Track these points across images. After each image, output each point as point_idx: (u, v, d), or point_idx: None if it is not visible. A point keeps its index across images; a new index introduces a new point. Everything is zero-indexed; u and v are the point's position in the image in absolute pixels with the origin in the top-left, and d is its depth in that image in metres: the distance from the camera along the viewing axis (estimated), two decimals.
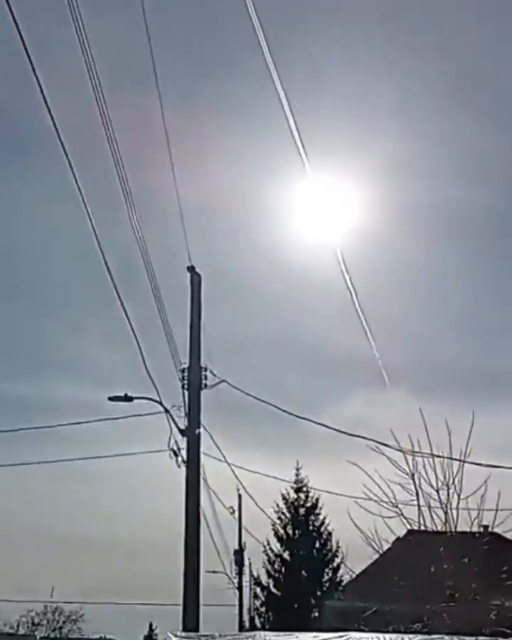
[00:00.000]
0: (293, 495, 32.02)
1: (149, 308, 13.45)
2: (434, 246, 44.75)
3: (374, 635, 8.76)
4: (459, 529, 12.43)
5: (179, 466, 12.64)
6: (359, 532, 12.90)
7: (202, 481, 14.35)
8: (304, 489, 32.00)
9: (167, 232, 14.62)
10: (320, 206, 15.91)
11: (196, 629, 11.06)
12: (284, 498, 31.73)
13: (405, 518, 12.65)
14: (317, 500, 31.45)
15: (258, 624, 29.15)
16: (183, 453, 13.05)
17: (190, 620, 11.33)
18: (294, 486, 31.89)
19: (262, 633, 8.73)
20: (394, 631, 9.65)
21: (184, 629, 11.12)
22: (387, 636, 8.69)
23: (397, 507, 12.57)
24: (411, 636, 8.69)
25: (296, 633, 8.85)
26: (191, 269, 14.94)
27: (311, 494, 31.81)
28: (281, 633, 10.26)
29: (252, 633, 8.54)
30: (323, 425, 13.94)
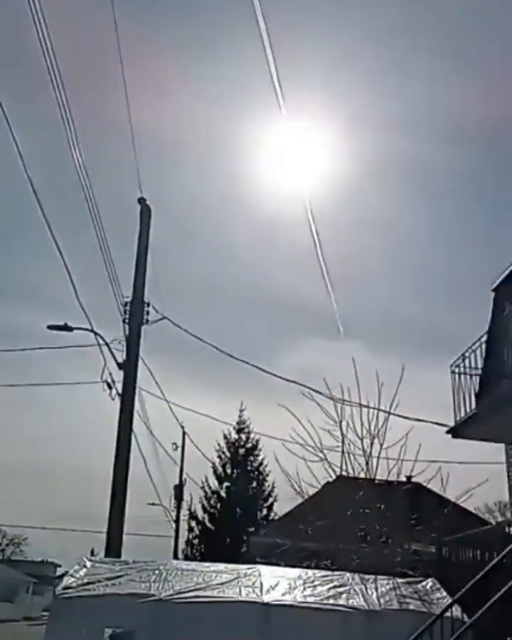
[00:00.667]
0: (234, 435, 32.77)
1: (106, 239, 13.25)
2: (402, 203, 44.74)
3: (281, 569, 9.21)
4: (380, 477, 12.99)
5: (113, 399, 12.75)
6: (293, 474, 13.44)
7: (138, 416, 14.56)
8: (246, 430, 32.75)
9: (128, 162, 14.19)
10: (291, 151, 15.66)
11: (118, 556, 11.41)
12: (225, 438, 32.48)
13: (329, 463, 13.16)
14: (257, 441, 32.27)
15: (189, 555, 30.20)
16: (119, 386, 13.15)
17: (113, 548, 11.67)
18: (236, 426, 32.62)
19: (175, 562, 9.10)
20: (302, 567, 10.17)
21: (106, 555, 11.48)
22: (293, 570, 9.15)
23: (322, 451, 13.06)
24: (315, 571, 9.17)
25: (210, 564, 9.25)
26: (142, 201, 14.67)
27: (252, 435, 32.58)
28: (194, 563, 10.71)
29: (165, 561, 8.89)
30: (259, 368, 14.19)
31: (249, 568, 8.81)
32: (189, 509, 32.05)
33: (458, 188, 44.46)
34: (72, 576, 7.82)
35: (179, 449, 30.13)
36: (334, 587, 8.41)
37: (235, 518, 29.91)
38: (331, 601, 7.90)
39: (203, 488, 31.45)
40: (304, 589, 8.22)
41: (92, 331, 13.04)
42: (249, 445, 32.66)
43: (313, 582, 8.51)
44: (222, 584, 7.87)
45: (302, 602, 7.68)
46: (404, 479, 13.69)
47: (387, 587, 8.66)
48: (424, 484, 14.34)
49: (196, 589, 7.59)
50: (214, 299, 50.35)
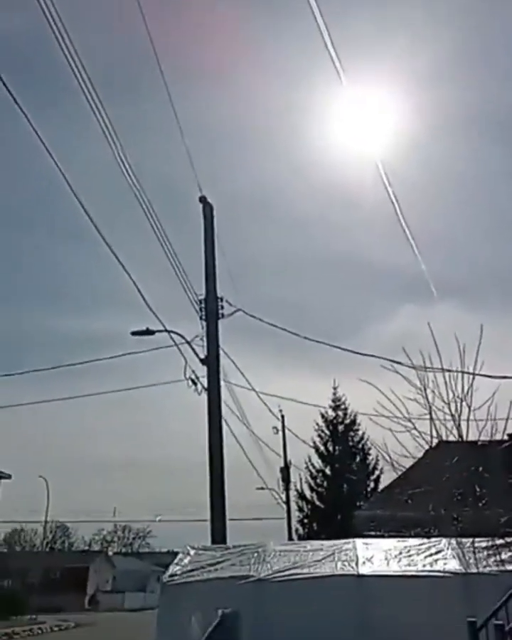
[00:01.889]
0: (332, 413, 32.97)
1: (176, 240, 13.74)
2: (474, 151, 42.94)
3: (377, 541, 9.41)
4: (477, 439, 12.85)
5: (199, 394, 13.23)
6: (385, 446, 13.53)
7: (227, 407, 15.02)
8: (342, 407, 32.89)
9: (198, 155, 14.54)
10: (356, 119, 15.49)
11: (223, 541, 11.94)
12: (322, 417, 32.74)
13: (419, 432, 13.14)
14: (355, 416, 32.34)
15: (303, 534, 30.76)
16: (204, 381, 13.62)
17: (218, 534, 12.20)
18: (332, 404, 32.82)
19: (272, 543, 9.47)
20: (404, 536, 10.31)
21: (212, 542, 12.04)
22: (390, 541, 9.33)
23: (410, 421, 13.06)
24: (412, 540, 9.31)
25: (308, 542, 9.58)
26: (203, 199, 15.03)
27: (349, 411, 32.70)
28: (292, 543, 11.07)
29: (264, 543, 9.27)
30: (336, 347, 14.29)
31: (345, 543, 9.06)
32: (297, 490, 32.63)
33: None
34: (177, 564, 8.35)
35: (279, 433, 30.75)
36: (430, 554, 8.54)
37: (343, 494, 30.21)
38: (427, 568, 8.04)
39: (307, 467, 31.95)
40: (400, 559, 8.40)
41: (169, 331, 13.57)
42: (347, 421, 32.82)
43: (408, 551, 8.67)
44: (318, 561, 8.16)
45: (397, 571, 7.86)
46: (505, 438, 13.49)
47: (486, 549, 8.69)
48: None
49: (293, 568, 7.93)
50: (298, 275, 50.47)
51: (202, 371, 13.92)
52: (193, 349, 13.97)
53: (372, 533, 12.02)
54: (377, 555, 8.40)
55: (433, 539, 9.14)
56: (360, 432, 32.26)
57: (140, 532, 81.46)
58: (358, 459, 31.83)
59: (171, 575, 7.92)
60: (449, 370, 12.98)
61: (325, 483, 31.72)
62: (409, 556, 8.41)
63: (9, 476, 38.12)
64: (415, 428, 13.00)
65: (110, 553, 71.69)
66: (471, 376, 13.03)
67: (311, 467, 32.01)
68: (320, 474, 31.96)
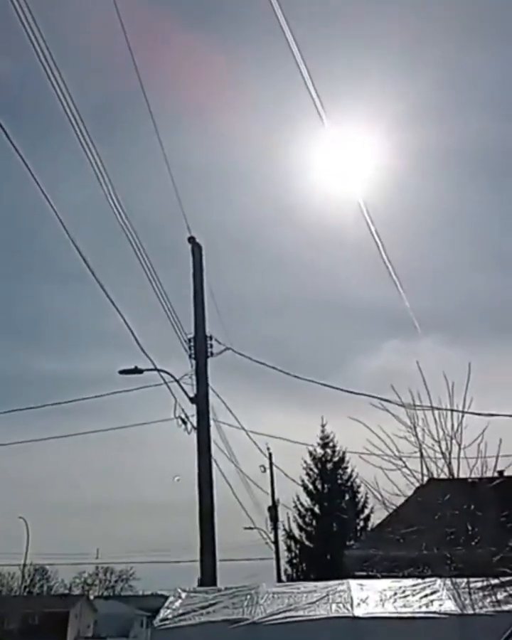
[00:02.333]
0: (320, 451, 32.80)
1: (165, 280, 13.81)
2: (455, 185, 43.76)
3: (371, 581, 9.30)
4: (468, 476, 12.81)
5: (189, 433, 13.17)
6: (376, 484, 13.45)
7: (216, 446, 14.91)
8: (330, 445, 32.73)
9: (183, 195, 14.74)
10: (338, 159, 15.78)
11: (213, 583, 11.72)
12: (310, 454, 32.55)
13: (410, 470, 13.10)
14: (344, 454, 32.19)
15: (293, 575, 30.25)
16: (194, 419, 13.56)
17: (207, 576, 12.01)
18: (320, 442, 32.67)
19: (265, 584, 9.32)
20: (397, 576, 10.18)
21: (201, 584, 11.82)
22: (384, 581, 9.22)
23: (400, 459, 13.03)
24: (406, 580, 9.20)
25: (300, 584, 9.43)
26: (192, 240, 15.21)
27: (337, 449, 32.54)
28: (285, 584, 10.90)
29: (256, 585, 9.12)
30: (327, 385, 14.35)
31: (338, 584, 8.94)
32: (286, 529, 32.20)
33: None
34: (168, 608, 8.17)
35: (267, 471, 30.44)
36: (426, 594, 8.44)
37: (332, 532, 29.86)
38: (423, 608, 7.94)
39: (295, 506, 31.60)
40: (395, 599, 8.29)
41: (158, 370, 13.55)
42: (335, 459, 32.65)
43: (404, 591, 8.57)
44: (312, 603, 8.03)
45: (393, 613, 7.76)
46: (495, 475, 13.46)
47: (481, 589, 8.61)
48: None
49: (287, 610, 7.79)
50: (282, 313, 50.72)
51: (190, 409, 13.89)
52: (182, 387, 13.95)
53: (365, 573, 11.87)
54: (371, 596, 8.29)
55: (427, 579, 9.04)
56: (348, 470, 32.16)
57: (123, 574, 79.55)
58: (347, 496, 31.59)
59: (162, 619, 7.74)
60: (438, 408, 13.04)
61: (314, 522, 31.38)
62: (405, 597, 8.31)
63: None
64: (406, 466, 12.97)
65: (91, 596, 69.85)
66: (460, 414, 13.15)
67: (299, 506, 31.74)
68: (308, 513, 31.63)
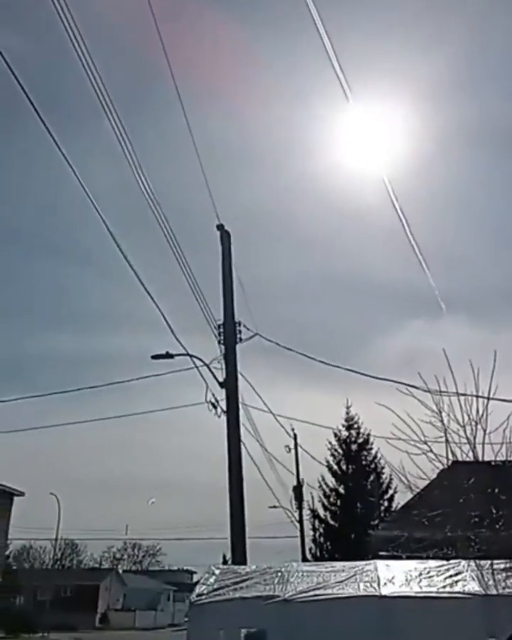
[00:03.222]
0: (345, 432, 33.15)
1: (199, 269, 14.12)
2: (482, 165, 43.18)
3: (397, 562, 9.65)
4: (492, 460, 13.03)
5: (219, 417, 13.54)
6: (402, 468, 13.74)
7: (246, 430, 15.30)
8: (355, 426, 33.06)
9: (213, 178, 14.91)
10: (362, 136, 15.80)
11: (244, 561, 12.17)
12: (335, 435, 32.93)
13: (436, 454, 13.36)
14: (368, 435, 32.51)
15: (317, 554, 30.82)
16: (223, 404, 13.93)
17: (238, 553, 12.44)
18: (345, 423, 33.02)
19: (295, 564, 9.73)
20: (422, 557, 10.52)
21: (233, 562, 12.27)
22: (410, 562, 9.57)
23: (426, 443, 13.29)
24: (432, 561, 9.54)
25: (329, 563, 9.82)
26: (220, 227, 15.47)
27: (362, 430, 32.87)
28: (313, 564, 11.31)
29: (287, 564, 9.52)
30: (353, 371, 14.56)
31: (366, 564, 9.30)
32: (311, 509, 32.73)
33: None
34: (203, 583, 8.61)
35: (292, 452, 30.90)
36: (450, 575, 8.77)
37: (356, 513, 30.30)
38: (448, 589, 8.27)
39: (320, 486, 32.08)
40: (420, 580, 8.63)
41: (190, 355, 13.92)
42: (360, 440, 32.99)
43: (429, 572, 8.90)
44: (340, 581, 8.41)
45: (419, 592, 8.10)
46: None
47: (505, 571, 8.91)
48: None
49: (317, 588, 8.18)
50: (307, 295, 50.89)
51: (219, 393, 14.26)
52: (211, 372, 14.29)
53: (390, 553, 12.22)
54: (397, 576, 8.64)
55: (452, 560, 9.36)
56: (373, 452, 32.46)
57: (150, 549, 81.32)
58: (371, 478, 31.93)
59: (198, 594, 8.18)
60: (463, 394, 13.25)
61: (338, 502, 31.84)
62: (430, 577, 8.64)
63: (22, 494, 38.36)
64: (432, 451, 13.26)
65: (120, 571, 71.53)
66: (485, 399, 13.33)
67: (324, 486, 32.21)
68: (333, 493, 32.09)
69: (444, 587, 8.33)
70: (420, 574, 8.74)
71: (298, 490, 32.42)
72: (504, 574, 8.82)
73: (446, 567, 9.03)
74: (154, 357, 14.75)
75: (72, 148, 9.01)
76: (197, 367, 13.89)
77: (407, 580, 8.56)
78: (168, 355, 14.66)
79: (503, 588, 8.29)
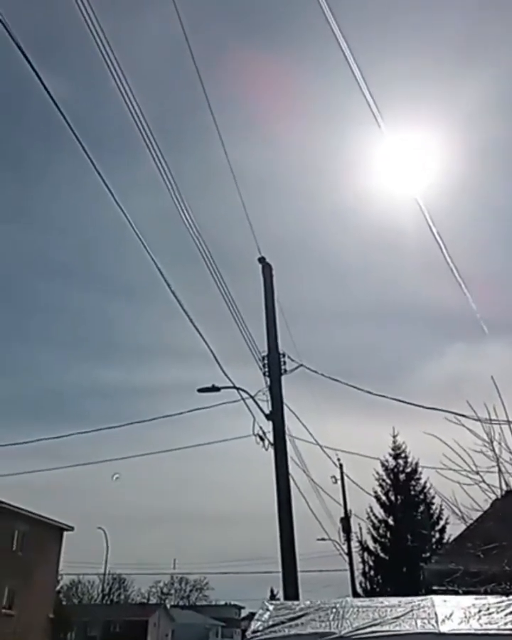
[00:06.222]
0: (392, 462, 32.64)
1: (238, 298, 14.31)
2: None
3: (454, 597, 9.42)
4: None
5: (266, 450, 13.56)
6: (454, 499, 13.48)
7: (294, 462, 15.27)
8: (403, 455, 32.54)
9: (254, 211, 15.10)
10: (397, 162, 15.91)
11: (296, 596, 12.06)
12: (383, 465, 32.45)
13: (488, 485, 13.07)
14: (417, 465, 31.95)
15: (368, 588, 30.18)
16: (270, 436, 13.96)
17: (290, 588, 12.33)
18: (392, 452, 32.53)
19: (350, 599, 9.57)
20: (479, 593, 10.27)
21: (285, 597, 12.16)
22: (468, 597, 9.33)
23: (478, 473, 13.03)
24: (490, 597, 9.29)
25: (383, 599, 9.64)
26: (262, 260, 15.70)
27: (409, 459, 32.33)
28: (368, 599, 11.11)
29: (341, 600, 9.37)
30: (400, 400, 14.46)
31: (422, 600, 9.09)
32: (359, 541, 32.19)
33: None
34: (258, 620, 8.53)
35: (338, 482, 30.58)
36: (511, 612, 8.52)
37: (407, 545, 29.65)
38: (509, 626, 8.03)
39: (368, 518, 31.56)
40: (480, 617, 8.39)
41: (236, 388, 14.02)
42: (408, 469, 32.44)
43: (488, 608, 8.65)
44: (397, 617, 8.24)
45: (478, 629, 7.88)
46: None
47: None
48: None
49: (373, 625, 8.02)
50: (345, 322, 50.74)
51: (266, 424, 14.29)
52: (257, 403, 14.38)
53: (444, 588, 11.94)
54: (456, 613, 8.42)
55: (511, 596, 9.11)
56: (421, 481, 31.86)
57: (197, 584, 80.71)
58: (421, 508, 31.30)
59: (254, 631, 8.11)
60: None
61: (388, 534, 31.23)
62: (489, 614, 8.40)
63: (72, 528, 38.60)
64: (484, 481, 13.02)
65: (168, 605, 71.03)
66: None
67: (373, 517, 31.68)
68: (382, 524, 31.50)
69: (505, 623, 8.09)
70: (479, 611, 8.50)
71: (346, 521, 31.98)
72: None
73: (506, 603, 8.77)
74: (200, 390, 14.91)
75: (116, 180, 9.26)
76: (243, 399, 13.98)
77: (466, 617, 8.33)
78: (215, 388, 14.81)
79: None
